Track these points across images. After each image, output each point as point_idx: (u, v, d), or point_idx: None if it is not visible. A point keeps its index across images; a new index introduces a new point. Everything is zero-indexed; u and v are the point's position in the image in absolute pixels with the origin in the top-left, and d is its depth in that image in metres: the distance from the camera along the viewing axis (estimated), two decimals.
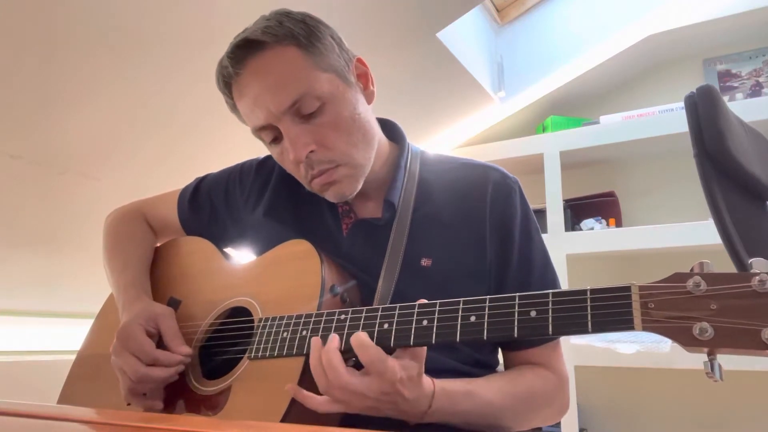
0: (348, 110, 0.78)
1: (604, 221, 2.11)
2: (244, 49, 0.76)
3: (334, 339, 0.66)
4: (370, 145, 0.83)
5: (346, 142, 0.78)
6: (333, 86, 0.77)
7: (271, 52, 0.75)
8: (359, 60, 0.84)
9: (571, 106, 2.39)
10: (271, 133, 0.79)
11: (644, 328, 0.50)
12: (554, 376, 0.82)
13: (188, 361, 0.78)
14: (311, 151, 0.76)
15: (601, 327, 0.53)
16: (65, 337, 1.63)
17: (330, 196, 0.81)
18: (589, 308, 0.54)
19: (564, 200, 2.10)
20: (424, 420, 0.67)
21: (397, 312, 0.65)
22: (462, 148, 2.41)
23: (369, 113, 0.84)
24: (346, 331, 0.67)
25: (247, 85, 0.77)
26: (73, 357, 0.97)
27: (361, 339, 0.63)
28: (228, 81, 0.79)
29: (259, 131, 0.80)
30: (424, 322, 0.63)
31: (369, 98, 0.85)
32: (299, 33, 0.76)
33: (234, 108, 0.83)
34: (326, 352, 0.64)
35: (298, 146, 0.75)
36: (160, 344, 0.79)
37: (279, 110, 0.75)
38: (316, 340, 0.66)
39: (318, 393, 0.65)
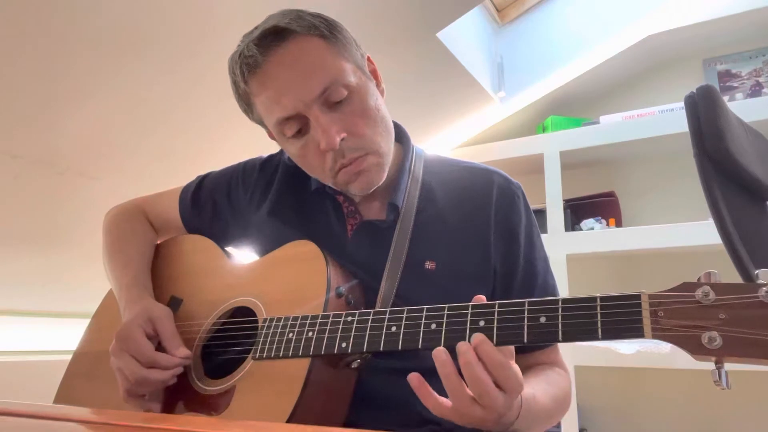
0: (372, 100, 0.79)
1: (604, 221, 2.11)
2: (271, 38, 0.75)
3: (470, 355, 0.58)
4: (391, 137, 0.84)
5: (373, 131, 0.79)
6: (357, 76, 0.78)
7: (298, 42, 0.75)
8: (368, 58, 0.85)
9: (571, 106, 2.39)
10: (296, 125, 0.77)
11: (654, 336, 0.51)
12: (565, 373, 0.86)
13: (187, 362, 0.78)
14: (342, 139, 0.76)
15: (611, 334, 0.53)
16: (64, 337, 1.62)
17: (356, 187, 0.80)
18: (599, 315, 0.54)
19: (564, 200, 2.10)
20: (507, 431, 0.65)
21: (405, 315, 0.65)
22: (462, 148, 2.41)
23: (386, 107, 0.84)
24: (353, 333, 0.67)
25: (273, 75, 0.75)
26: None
27: (498, 359, 0.58)
28: (252, 70, 0.77)
29: (282, 123, 0.77)
30: (433, 326, 0.63)
31: (381, 94, 0.85)
32: (321, 25, 0.77)
33: (248, 101, 0.81)
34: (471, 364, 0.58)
35: (330, 133, 0.74)
36: (160, 346, 0.79)
37: (309, 98, 0.74)
38: (439, 352, 0.60)
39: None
